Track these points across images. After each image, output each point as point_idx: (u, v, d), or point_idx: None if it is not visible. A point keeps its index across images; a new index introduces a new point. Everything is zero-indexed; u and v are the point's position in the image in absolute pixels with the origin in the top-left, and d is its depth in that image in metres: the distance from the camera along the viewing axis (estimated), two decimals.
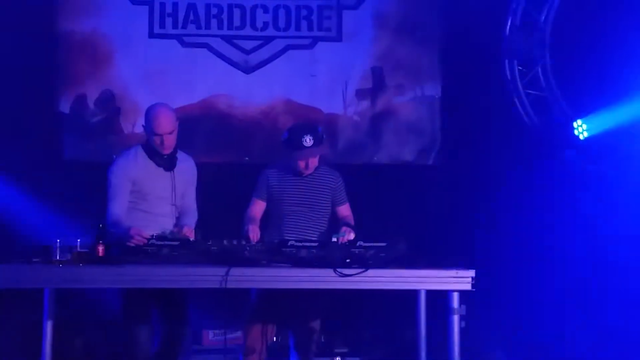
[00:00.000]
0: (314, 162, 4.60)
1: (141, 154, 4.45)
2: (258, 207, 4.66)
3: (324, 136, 4.68)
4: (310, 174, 4.65)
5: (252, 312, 4.57)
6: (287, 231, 4.53)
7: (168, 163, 4.46)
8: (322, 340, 5.50)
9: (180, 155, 4.55)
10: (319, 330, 4.72)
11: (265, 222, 4.64)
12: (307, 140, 4.51)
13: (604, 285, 5.61)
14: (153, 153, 4.43)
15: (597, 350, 5.39)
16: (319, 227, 4.61)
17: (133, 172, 4.39)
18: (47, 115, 5.91)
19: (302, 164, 4.56)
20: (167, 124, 4.38)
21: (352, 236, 4.37)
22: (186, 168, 4.57)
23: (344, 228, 4.45)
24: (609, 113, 5.87)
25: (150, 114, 4.43)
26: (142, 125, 4.49)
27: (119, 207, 4.32)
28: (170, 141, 4.40)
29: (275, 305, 4.49)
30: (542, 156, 5.95)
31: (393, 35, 6.18)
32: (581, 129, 5.90)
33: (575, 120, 5.89)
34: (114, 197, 4.34)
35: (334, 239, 4.16)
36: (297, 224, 4.57)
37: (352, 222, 4.63)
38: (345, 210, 4.72)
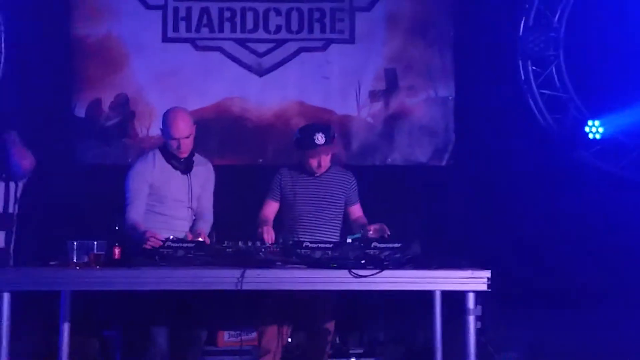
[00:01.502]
0: (326, 160, 4.62)
1: (159, 158, 4.49)
2: (271, 208, 4.68)
3: (335, 135, 4.72)
4: (323, 175, 4.67)
5: (266, 313, 4.58)
6: (301, 232, 4.54)
7: (185, 166, 4.49)
8: (337, 341, 5.52)
9: (197, 158, 4.58)
10: (334, 331, 4.73)
11: (279, 223, 4.65)
12: (319, 138, 4.55)
13: (620, 286, 5.59)
14: (170, 156, 4.47)
15: (611, 350, 5.37)
16: (332, 227, 4.62)
17: (151, 176, 4.43)
18: (62, 119, 5.95)
19: (314, 162, 4.59)
20: (184, 128, 4.42)
21: (386, 230, 4.32)
22: (202, 171, 4.60)
23: (372, 227, 4.37)
24: (623, 113, 5.86)
25: (167, 118, 4.46)
26: (160, 129, 4.52)
27: (136, 210, 4.36)
28: (187, 145, 4.43)
29: (290, 306, 4.50)
30: (556, 156, 5.94)
31: (406, 36, 6.17)
32: (595, 129, 5.88)
33: (590, 120, 5.87)
34: (132, 200, 4.38)
35: (349, 240, 4.16)
36: (311, 225, 4.59)
37: (365, 222, 4.64)
38: (358, 210, 4.74)
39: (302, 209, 4.60)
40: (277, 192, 4.70)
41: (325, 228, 4.62)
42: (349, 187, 4.72)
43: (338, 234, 4.64)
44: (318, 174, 4.67)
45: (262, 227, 4.45)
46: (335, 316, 4.65)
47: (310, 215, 4.59)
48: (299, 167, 4.67)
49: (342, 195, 4.70)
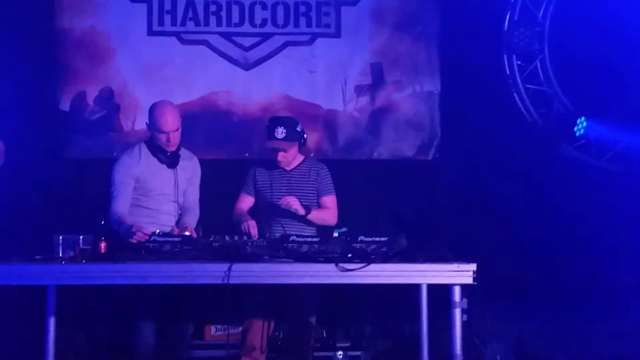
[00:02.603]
0: (286, 156, 4.62)
1: (145, 151, 4.47)
2: (246, 202, 4.70)
3: (304, 135, 4.68)
4: (295, 169, 4.67)
5: (250, 309, 4.58)
6: (275, 226, 4.55)
7: (171, 160, 4.48)
8: (324, 334, 5.53)
9: (183, 152, 4.57)
10: (316, 325, 4.73)
11: (254, 217, 4.64)
12: (279, 132, 4.56)
13: (605, 279, 5.63)
14: (156, 150, 4.45)
15: (596, 343, 5.41)
16: (307, 221, 4.61)
17: (136, 170, 4.41)
18: (47, 113, 5.92)
19: (274, 155, 4.60)
20: (173, 122, 4.41)
21: (295, 207, 4.40)
22: (189, 165, 4.59)
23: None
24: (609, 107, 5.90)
25: (155, 111, 4.44)
26: (146, 123, 4.50)
27: (122, 204, 4.34)
28: (175, 138, 4.43)
29: (273, 301, 4.50)
30: (541, 150, 5.97)
31: (392, 31, 6.18)
32: (581, 125, 5.92)
33: (579, 118, 5.91)
34: (117, 194, 4.37)
35: (336, 234, 4.17)
36: (285, 219, 4.57)
37: (331, 215, 4.63)
38: (327, 201, 4.71)
39: (276, 203, 4.60)
40: (251, 187, 4.71)
41: (299, 221, 4.61)
42: (318, 178, 4.70)
43: (314, 227, 4.64)
44: (289, 169, 4.68)
45: (246, 221, 4.46)
46: (317, 310, 4.65)
47: (284, 209, 4.57)
48: (272, 162, 4.67)
49: (314, 187, 4.69)
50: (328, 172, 4.76)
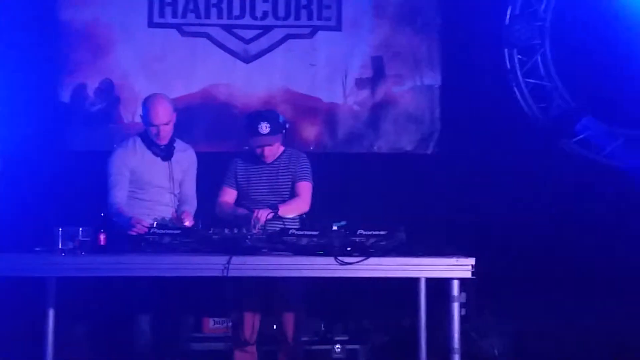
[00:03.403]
0: (270, 150, 4.58)
1: (139, 144, 4.48)
2: (230, 195, 4.65)
3: (286, 126, 4.61)
4: (274, 161, 4.63)
5: (237, 302, 4.58)
6: (274, 220, 4.52)
7: (165, 153, 4.49)
8: (322, 328, 5.54)
9: (178, 144, 4.57)
10: (306, 317, 4.72)
11: None
12: (264, 127, 4.50)
13: (605, 273, 5.63)
14: (150, 143, 4.47)
15: (595, 338, 5.42)
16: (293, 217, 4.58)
17: (131, 162, 4.42)
18: (48, 105, 5.92)
19: (258, 150, 4.57)
20: (163, 115, 4.41)
21: (263, 215, 4.28)
22: (184, 157, 4.60)
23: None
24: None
25: (147, 105, 4.45)
26: (140, 115, 4.51)
27: (118, 196, 4.35)
28: (166, 132, 4.43)
29: (259, 293, 4.50)
30: (541, 145, 5.97)
31: (393, 24, 6.18)
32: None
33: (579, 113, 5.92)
34: (113, 186, 4.38)
35: (335, 227, 4.17)
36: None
37: (300, 204, 4.54)
38: (299, 187, 4.59)
39: (257, 196, 4.58)
40: (232, 180, 4.67)
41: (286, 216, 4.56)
42: (296, 164, 4.62)
43: (297, 220, 4.59)
44: (269, 161, 4.64)
45: (258, 211, 4.36)
46: (305, 303, 4.63)
47: (266, 203, 4.52)
48: (253, 155, 4.64)
49: (292, 176, 4.64)
50: (307, 160, 4.67)
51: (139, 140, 4.50)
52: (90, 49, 6.00)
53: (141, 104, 4.55)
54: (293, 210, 4.53)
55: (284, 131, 4.62)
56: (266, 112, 4.75)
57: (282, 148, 4.68)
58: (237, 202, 4.65)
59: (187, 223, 4.27)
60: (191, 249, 3.90)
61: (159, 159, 4.49)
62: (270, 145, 4.55)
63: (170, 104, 4.50)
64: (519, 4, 6.00)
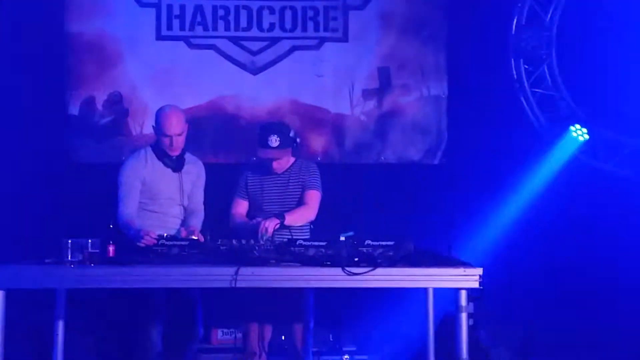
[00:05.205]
0: (279, 163, 4.59)
1: (150, 155, 4.50)
2: (242, 207, 4.66)
3: (297, 140, 4.62)
4: (285, 172, 4.65)
5: (246, 313, 4.59)
6: (282, 231, 4.52)
7: (176, 164, 4.50)
8: (331, 338, 5.54)
9: (188, 157, 4.59)
10: (315, 328, 4.73)
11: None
12: (273, 140, 4.50)
13: (612, 283, 5.62)
14: (162, 154, 4.48)
15: (602, 346, 5.41)
16: (301, 225, 4.59)
17: (143, 173, 4.44)
18: (56, 117, 5.96)
19: (268, 162, 4.58)
20: (177, 126, 4.43)
21: (271, 226, 4.30)
22: (193, 169, 4.61)
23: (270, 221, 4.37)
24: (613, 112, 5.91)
25: (160, 115, 4.47)
26: (152, 126, 4.53)
27: (129, 207, 4.37)
28: (179, 142, 4.45)
29: (268, 305, 4.50)
30: (548, 155, 5.97)
31: (399, 35, 6.20)
32: (580, 132, 5.94)
33: (574, 125, 5.93)
34: (124, 197, 4.39)
35: (342, 238, 4.17)
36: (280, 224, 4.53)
37: (306, 213, 4.54)
38: (307, 195, 4.59)
39: (269, 207, 4.58)
40: (244, 191, 4.68)
41: (294, 227, 4.56)
42: (306, 173, 4.62)
43: (307, 230, 4.61)
44: (280, 172, 4.64)
45: (263, 222, 4.37)
46: (313, 314, 4.63)
47: (277, 213, 4.51)
48: (263, 166, 4.65)
49: (302, 186, 4.63)
50: (317, 170, 4.68)
51: (150, 151, 4.52)
52: (99, 62, 6.04)
53: (154, 114, 4.56)
54: (299, 218, 4.54)
55: (294, 144, 4.63)
56: (278, 125, 4.74)
57: (292, 159, 4.69)
58: (249, 213, 4.66)
59: (195, 237, 4.27)
60: (199, 260, 3.90)
61: (169, 170, 4.50)
62: (278, 159, 4.57)
63: (183, 115, 4.53)
64: (525, 13, 6.02)
